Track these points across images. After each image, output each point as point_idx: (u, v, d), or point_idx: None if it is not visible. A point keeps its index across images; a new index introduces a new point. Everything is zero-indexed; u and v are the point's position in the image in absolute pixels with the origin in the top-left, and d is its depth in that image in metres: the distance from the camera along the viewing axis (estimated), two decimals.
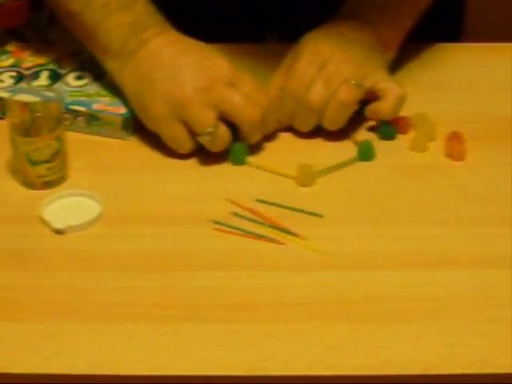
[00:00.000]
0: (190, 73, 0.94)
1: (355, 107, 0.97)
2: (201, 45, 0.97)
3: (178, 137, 0.95)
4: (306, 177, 0.94)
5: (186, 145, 0.95)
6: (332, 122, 0.97)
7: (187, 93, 0.93)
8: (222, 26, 1.20)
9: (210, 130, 0.93)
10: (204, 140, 0.94)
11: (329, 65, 0.96)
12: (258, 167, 0.96)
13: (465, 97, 1.07)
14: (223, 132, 0.94)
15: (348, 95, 0.96)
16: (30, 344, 0.75)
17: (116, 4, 0.97)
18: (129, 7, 0.97)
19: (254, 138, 0.97)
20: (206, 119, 0.93)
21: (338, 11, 1.04)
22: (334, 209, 0.90)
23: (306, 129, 0.99)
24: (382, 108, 0.98)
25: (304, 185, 0.94)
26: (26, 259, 0.85)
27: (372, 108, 0.99)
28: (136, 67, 0.96)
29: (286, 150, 0.99)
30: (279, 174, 0.95)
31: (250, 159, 0.97)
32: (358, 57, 0.98)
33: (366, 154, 0.97)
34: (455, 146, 0.96)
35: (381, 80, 0.98)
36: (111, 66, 0.99)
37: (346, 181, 0.95)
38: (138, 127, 1.00)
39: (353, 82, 0.96)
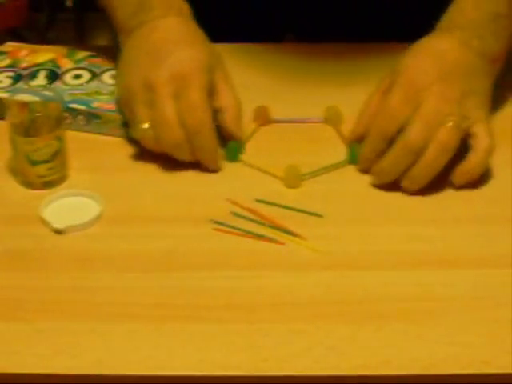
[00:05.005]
0: (146, 67, 0.93)
1: (454, 152, 0.90)
2: (189, 39, 0.96)
3: (128, 119, 0.96)
4: (293, 178, 0.94)
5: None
6: (427, 166, 0.89)
7: (134, 86, 0.93)
8: (240, 26, 1.20)
9: (143, 127, 0.93)
10: (134, 134, 0.94)
11: (426, 103, 0.90)
12: (250, 166, 0.96)
13: None
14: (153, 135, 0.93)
15: (450, 138, 0.89)
16: (30, 344, 0.75)
17: None
18: None
19: (179, 157, 0.94)
20: (140, 115, 0.93)
21: (440, 22, 0.98)
22: (334, 209, 0.90)
23: (395, 171, 0.91)
24: (471, 164, 0.91)
25: (291, 186, 0.94)
26: (26, 259, 0.85)
27: (460, 170, 0.92)
28: (129, 46, 0.97)
29: (281, 151, 0.99)
30: (269, 173, 0.95)
31: (245, 158, 0.97)
32: (459, 93, 0.91)
33: (356, 157, 0.96)
34: None
35: (476, 122, 0.92)
36: (119, 39, 1.00)
37: (345, 181, 0.95)
38: None
39: (450, 123, 0.89)
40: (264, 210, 0.90)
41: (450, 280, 0.82)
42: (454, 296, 0.80)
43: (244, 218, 0.89)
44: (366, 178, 0.95)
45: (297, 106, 1.06)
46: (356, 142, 0.97)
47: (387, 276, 0.82)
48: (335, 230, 0.88)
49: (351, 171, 0.96)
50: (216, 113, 0.96)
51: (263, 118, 1.03)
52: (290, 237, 0.87)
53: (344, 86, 1.07)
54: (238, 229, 0.88)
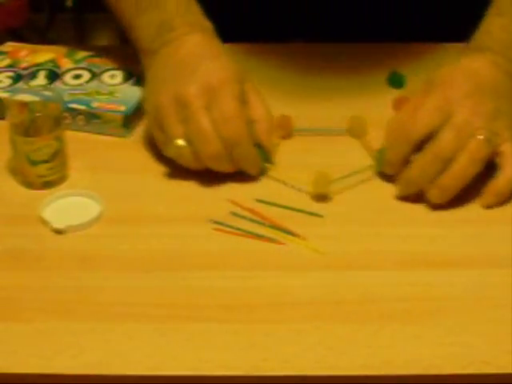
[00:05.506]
0: (174, 83, 0.92)
1: (483, 165, 0.89)
2: (215, 52, 0.95)
3: (158, 140, 0.94)
4: (322, 185, 0.91)
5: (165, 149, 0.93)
6: (456, 176, 0.89)
7: (165, 104, 0.91)
8: (249, 29, 1.19)
9: (179, 143, 0.90)
10: (169, 152, 0.92)
11: (458, 115, 0.89)
12: (276, 180, 0.94)
13: None
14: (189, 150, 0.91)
15: (480, 150, 0.88)
16: (29, 344, 0.75)
17: (147, 2, 0.97)
18: (159, 6, 0.97)
19: (219, 169, 0.92)
20: (174, 132, 0.91)
21: (471, 41, 0.98)
22: (334, 209, 0.90)
23: (423, 179, 0.90)
24: (499, 182, 0.91)
25: (320, 192, 0.91)
26: (26, 259, 0.85)
27: (489, 189, 0.91)
28: (154, 66, 0.96)
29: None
30: (295, 187, 0.93)
31: (271, 172, 0.95)
32: (490, 109, 0.91)
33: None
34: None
35: (505, 142, 0.91)
36: (142, 61, 0.99)
37: (345, 181, 0.95)
38: (137, 126, 1.01)
39: (482, 136, 0.88)
40: (264, 210, 0.90)
41: (449, 280, 0.82)
42: (454, 296, 0.80)
43: (244, 218, 0.89)
44: (366, 178, 0.95)
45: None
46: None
47: (387, 276, 0.83)
48: (335, 229, 0.88)
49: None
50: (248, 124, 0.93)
51: (286, 128, 1.01)
52: (290, 237, 0.87)
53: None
54: (238, 229, 0.88)
